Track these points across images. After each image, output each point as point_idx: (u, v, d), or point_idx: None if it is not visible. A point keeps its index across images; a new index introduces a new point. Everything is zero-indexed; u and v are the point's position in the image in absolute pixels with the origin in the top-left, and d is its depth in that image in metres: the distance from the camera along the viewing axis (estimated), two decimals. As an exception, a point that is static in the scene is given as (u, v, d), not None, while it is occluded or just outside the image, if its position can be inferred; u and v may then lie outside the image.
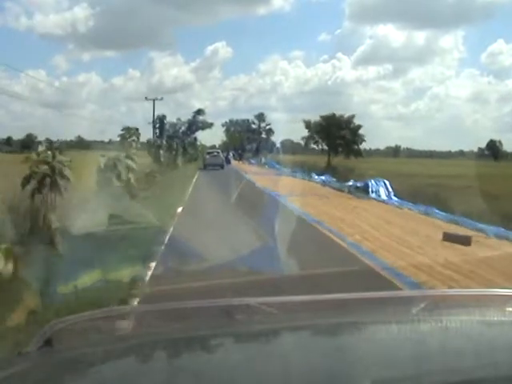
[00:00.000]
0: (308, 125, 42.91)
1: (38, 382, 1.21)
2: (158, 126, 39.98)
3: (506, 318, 1.52)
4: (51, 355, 1.35)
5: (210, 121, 69.71)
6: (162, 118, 41.51)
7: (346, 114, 42.66)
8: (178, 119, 68.04)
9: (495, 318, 1.52)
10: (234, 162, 56.75)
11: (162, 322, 1.68)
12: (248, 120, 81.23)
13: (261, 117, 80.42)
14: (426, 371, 1.10)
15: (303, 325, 1.53)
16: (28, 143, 53.58)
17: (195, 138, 69.41)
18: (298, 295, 1.84)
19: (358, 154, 41.89)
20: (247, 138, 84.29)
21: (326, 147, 42.78)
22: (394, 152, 68.82)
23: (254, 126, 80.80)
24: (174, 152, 40.09)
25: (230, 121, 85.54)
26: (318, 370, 1.14)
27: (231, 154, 61.61)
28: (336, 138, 41.25)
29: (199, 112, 68.47)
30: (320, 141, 42.97)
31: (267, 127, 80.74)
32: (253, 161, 63.24)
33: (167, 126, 64.30)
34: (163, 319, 1.69)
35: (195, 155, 62.90)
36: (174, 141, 41.18)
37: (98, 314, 1.60)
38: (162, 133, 39.97)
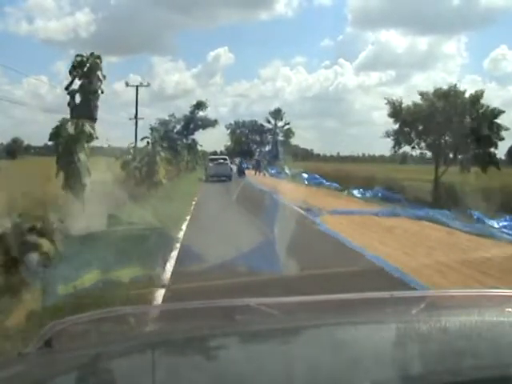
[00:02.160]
0: (396, 110, 22.96)
1: (38, 383, 1.21)
2: (76, 92, 11.31)
3: (505, 318, 1.50)
4: (51, 356, 1.33)
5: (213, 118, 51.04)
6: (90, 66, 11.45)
7: (468, 90, 23.05)
8: (172, 115, 48.39)
9: (495, 318, 1.49)
10: (247, 173, 38.13)
11: (162, 322, 1.66)
12: (256, 121, 66.62)
13: (277, 114, 62.39)
14: (426, 371, 1.10)
15: (303, 325, 1.52)
16: (14, 148, 47.25)
17: (194, 141, 50.43)
18: (297, 296, 1.85)
19: (493, 162, 22.38)
20: (259, 142, 68.83)
21: (420, 148, 23.59)
22: (402, 159, 60.80)
23: (269, 126, 62.32)
24: (145, 160, 20.10)
25: (236, 122, 70.73)
26: (318, 370, 1.13)
27: (244, 163, 41.49)
28: (457, 133, 21.82)
29: (199, 106, 49.68)
30: (414, 137, 23.24)
31: (286, 127, 61.92)
32: (272, 170, 44.89)
33: (157, 124, 45.23)
34: (163, 320, 1.67)
35: (193, 162, 48.08)
36: (149, 140, 21.21)
37: (97, 315, 1.59)
38: (88, 106, 11.03)
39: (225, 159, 35.26)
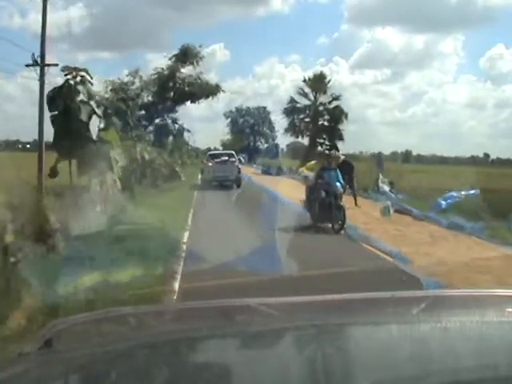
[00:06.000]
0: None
1: (38, 383, 1.20)
2: None
3: (505, 318, 1.51)
4: (51, 356, 1.33)
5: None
6: None
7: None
8: (134, 72, 25.00)
9: (495, 318, 1.50)
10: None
11: (162, 322, 1.66)
12: (265, 108, 47.98)
13: (319, 82, 35.52)
14: (426, 372, 1.10)
15: (303, 326, 1.52)
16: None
17: (175, 122, 27.46)
18: (298, 296, 1.83)
19: None
20: (268, 134, 51.79)
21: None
22: (404, 158, 51.80)
23: (306, 102, 36.26)
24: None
25: (238, 110, 49.23)
26: (318, 370, 1.13)
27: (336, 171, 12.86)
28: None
29: (186, 56, 25.38)
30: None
31: (333, 103, 35.52)
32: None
33: (109, 91, 24.16)
34: (164, 320, 1.67)
35: (177, 164, 25.60)
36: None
37: (97, 315, 1.60)
38: None
39: (231, 155, 24.44)
